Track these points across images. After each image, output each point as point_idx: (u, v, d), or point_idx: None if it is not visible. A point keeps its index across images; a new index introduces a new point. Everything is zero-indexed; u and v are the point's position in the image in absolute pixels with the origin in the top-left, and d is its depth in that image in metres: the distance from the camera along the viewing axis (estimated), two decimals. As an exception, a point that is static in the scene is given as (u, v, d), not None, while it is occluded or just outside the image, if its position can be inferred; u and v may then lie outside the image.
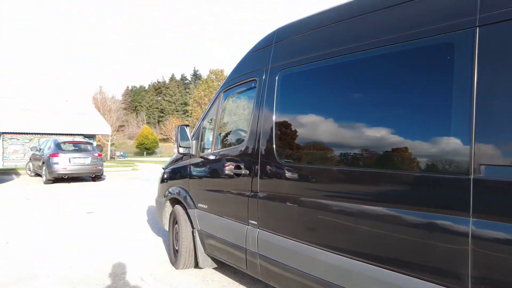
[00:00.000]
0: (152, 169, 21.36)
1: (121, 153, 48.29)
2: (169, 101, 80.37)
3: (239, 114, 3.69)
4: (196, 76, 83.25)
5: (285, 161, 2.65)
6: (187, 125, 3.78)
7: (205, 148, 3.74)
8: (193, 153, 3.77)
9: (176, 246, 4.15)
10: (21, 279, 3.75)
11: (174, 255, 4.21)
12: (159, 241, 5.30)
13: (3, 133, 21.46)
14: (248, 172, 2.94)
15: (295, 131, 2.65)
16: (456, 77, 1.76)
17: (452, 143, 1.74)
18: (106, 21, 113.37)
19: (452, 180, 1.69)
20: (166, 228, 4.55)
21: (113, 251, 4.74)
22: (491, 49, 1.64)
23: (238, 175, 3.06)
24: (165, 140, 68.80)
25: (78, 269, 4.05)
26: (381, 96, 2.12)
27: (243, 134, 3.24)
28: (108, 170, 18.42)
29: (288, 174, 2.62)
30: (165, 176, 4.57)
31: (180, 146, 3.71)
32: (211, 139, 3.66)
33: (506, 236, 1.53)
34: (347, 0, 2.38)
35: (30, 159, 16.08)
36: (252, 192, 2.89)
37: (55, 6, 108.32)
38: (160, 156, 49.44)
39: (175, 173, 4.29)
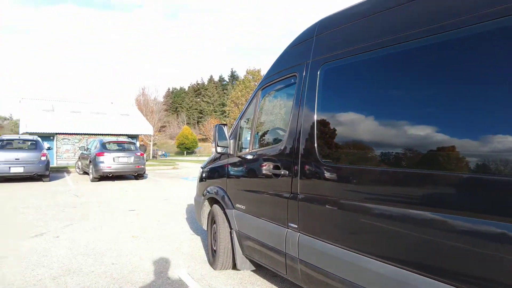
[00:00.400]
0: (191, 168, 21.89)
1: (163, 152, 50.09)
2: (208, 102, 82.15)
3: (277, 112, 3.56)
4: (233, 77, 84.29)
5: (328, 161, 2.47)
6: (225, 124, 3.72)
7: (242, 148, 3.66)
8: (231, 152, 3.71)
9: (214, 246, 4.11)
10: (68, 272, 3.90)
11: (212, 255, 4.18)
12: (197, 240, 5.32)
13: (56, 134, 23.09)
14: (287, 172, 2.81)
15: (340, 130, 2.46)
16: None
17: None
18: (154, 25, 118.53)
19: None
20: (204, 227, 4.54)
21: (153, 249, 4.82)
22: None
23: (276, 175, 2.94)
24: (204, 140, 70.43)
25: (119, 266, 4.15)
26: (440, 90, 1.88)
27: (281, 133, 3.10)
28: (150, 168, 19.13)
29: (331, 175, 2.45)
30: (204, 175, 4.56)
31: (218, 146, 3.66)
32: (248, 138, 3.57)
33: None
34: None
35: (79, 158, 17.11)
36: (291, 193, 2.75)
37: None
38: (199, 156, 50.64)
39: (213, 172, 4.26)
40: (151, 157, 38.71)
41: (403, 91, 2.10)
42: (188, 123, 76.20)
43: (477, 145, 1.66)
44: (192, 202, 8.85)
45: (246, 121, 3.69)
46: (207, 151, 56.34)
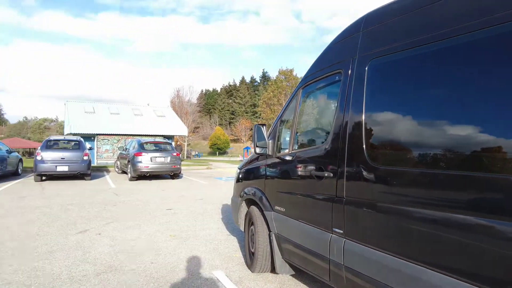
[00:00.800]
0: (224, 168, 22.13)
1: (196, 152, 51.20)
2: (239, 103, 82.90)
3: (320, 111, 3.42)
4: (265, 77, 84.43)
5: (378, 164, 2.30)
6: (263, 125, 3.64)
7: (281, 148, 3.56)
8: (270, 153, 3.62)
9: (252, 248, 4.05)
10: (110, 269, 4.00)
11: (250, 257, 4.11)
12: (234, 241, 5.29)
13: (97, 134, 24.25)
14: (331, 174, 2.67)
15: (391, 130, 2.29)
16: None
17: None
18: (187, 28, 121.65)
19: None
20: (242, 228, 4.49)
21: (191, 248, 4.84)
22: None
23: (319, 177, 2.81)
24: (235, 140, 71.16)
25: (158, 265, 4.19)
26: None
27: (325, 133, 2.97)
28: (185, 168, 19.54)
29: (382, 179, 2.28)
30: (241, 176, 4.51)
31: (256, 146, 3.58)
32: (288, 138, 3.46)
33: None
34: None
35: (118, 158, 17.82)
36: (336, 197, 2.61)
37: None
38: (231, 156, 51.20)
39: (251, 173, 4.19)
40: (185, 157, 39.65)
41: (468, 87, 1.89)
42: (220, 124, 77.37)
43: None
44: (227, 202, 8.95)
45: (286, 120, 3.58)
46: (239, 152, 56.81)
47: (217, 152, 58.43)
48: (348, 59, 2.66)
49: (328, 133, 2.83)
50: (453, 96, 1.94)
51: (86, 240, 5.18)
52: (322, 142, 2.89)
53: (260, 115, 63.23)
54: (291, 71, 54.32)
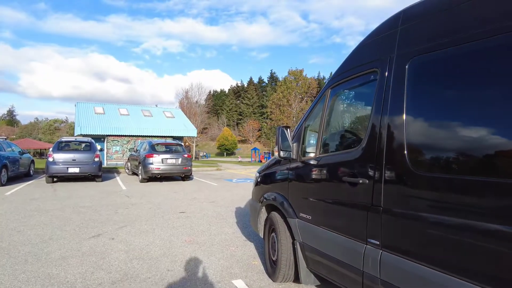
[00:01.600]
0: (234, 169, 22.00)
1: (204, 153, 51.23)
2: (247, 104, 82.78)
3: (352, 113, 3.22)
4: (273, 78, 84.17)
5: (421, 170, 2.09)
6: (287, 127, 3.45)
7: (306, 152, 3.36)
8: (294, 157, 3.42)
9: (273, 256, 3.86)
10: (126, 277, 3.85)
11: (270, 265, 3.93)
12: (251, 246, 5.11)
13: (107, 135, 24.32)
14: (366, 181, 2.47)
15: (437, 134, 2.08)
16: None
17: None
18: (195, 29, 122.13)
19: None
20: (261, 235, 4.30)
21: (207, 254, 4.67)
22: None
23: (353, 184, 2.61)
24: (243, 141, 71.14)
25: (175, 273, 4.03)
26: None
27: (358, 136, 2.77)
28: (195, 169, 19.46)
29: (425, 187, 2.07)
30: (261, 180, 4.33)
31: (281, 150, 3.39)
32: (314, 141, 3.27)
33: None
34: None
35: (128, 159, 17.80)
36: (372, 205, 2.41)
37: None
38: (239, 156, 51.02)
39: (272, 177, 4.01)
40: (193, 158, 39.67)
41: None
42: (228, 125, 77.46)
43: None
44: (240, 205, 8.78)
45: (312, 122, 3.38)
46: (247, 152, 56.73)
47: (225, 153, 58.41)
48: (385, 58, 2.46)
49: (361, 136, 2.63)
50: (507, 97, 1.74)
51: (100, 245, 5.05)
52: (355, 146, 2.69)
53: (268, 115, 63.02)
54: (301, 71, 54.01)
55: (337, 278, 2.88)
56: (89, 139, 14.48)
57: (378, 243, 2.36)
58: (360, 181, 2.51)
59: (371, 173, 2.44)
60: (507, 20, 1.74)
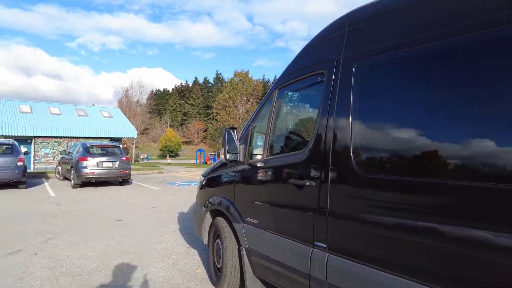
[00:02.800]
0: (177, 172, 21.27)
1: (145, 155, 48.97)
2: (192, 105, 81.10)
3: (299, 115, 3.17)
4: (218, 79, 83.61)
5: (366, 172, 2.10)
6: (234, 128, 3.30)
7: (253, 154, 3.25)
8: (241, 159, 3.29)
9: (218, 263, 3.68)
10: (51, 298, 3.38)
11: (215, 273, 3.74)
12: (194, 254, 4.87)
13: (34, 137, 21.97)
14: (313, 183, 2.42)
15: (383, 136, 2.10)
16: None
17: None
18: (136, 25, 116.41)
19: None
20: (205, 241, 4.10)
21: (147, 265, 4.33)
22: None
23: (299, 186, 2.55)
24: (187, 142, 69.55)
25: (113, 286, 3.66)
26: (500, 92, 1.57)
27: (305, 138, 2.72)
28: (134, 173, 18.41)
29: (372, 188, 2.08)
30: (206, 184, 4.12)
31: (227, 152, 3.23)
32: (261, 143, 3.17)
33: None
34: None
35: (59, 162, 16.22)
36: (319, 207, 2.37)
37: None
38: (183, 159, 49.75)
39: (218, 181, 3.83)
40: (133, 161, 37.70)
41: (466, 90, 1.74)
42: (171, 126, 75.12)
43: None
44: (184, 210, 8.42)
45: (260, 124, 3.28)
46: (191, 154, 55.48)
47: (168, 155, 56.51)
48: (332, 59, 2.44)
49: (308, 138, 2.59)
50: (450, 99, 1.80)
51: (19, 263, 4.40)
52: (303, 148, 2.63)
53: (214, 116, 62.48)
54: (247, 73, 54.47)
55: (284, 283, 2.81)
56: (11, 141, 12.85)
57: (325, 246, 2.33)
58: (307, 183, 2.46)
59: (317, 175, 2.39)
60: (443, 28, 1.81)
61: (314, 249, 2.42)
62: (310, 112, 2.78)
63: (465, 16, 1.73)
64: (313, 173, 2.44)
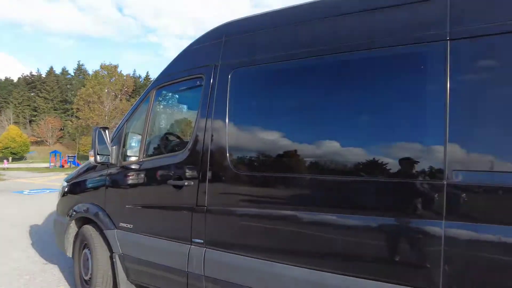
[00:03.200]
0: (25, 178, 17.91)
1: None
2: (46, 98, 69.53)
3: (178, 116, 3.20)
4: (81, 71, 74.13)
5: (241, 170, 2.36)
6: (106, 128, 3.08)
7: (128, 156, 3.11)
8: (113, 161, 3.09)
9: (86, 275, 3.37)
10: None
11: (82, 286, 3.41)
12: (54, 270, 4.27)
13: None
14: (192, 183, 2.53)
15: (253, 137, 2.39)
16: (430, 87, 1.80)
17: (426, 151, 1.77)
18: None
19: (428, 185, 1.75)
20: (69, 254, 3.67)
21: (-12, 292, 3.59)
22: (462, 61, 1.71)
23: (178, 187, 2.61)
24: (38, 143, 59.31)
25: None
26: (351, 102, 2.07)
27: (184, 139, 2.80)
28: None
29: (245, 185, 2.37)
30: (69, 190, 3.69)
31: (98, 154, 3.00)
32: (137, 144, 3.07)
33: (484, 238, 1.63)
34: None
35: None
36: (197, 206, 2.50)
37: None
38: (31, 162, 42.17)
39: (85, 186, 3.49)
40: (-40, 165, 29.83)
41: (315, 101, 2.20)
42: (16, 122, 62.75)
43: (397, 152, 1.87)
44: (37, 222, 7.21)
45: (134, 125, 3.16)
46: (44, 157, 47.38)
47: (11, 158, 46.85)
48: (210, 65, 2.60)
49: (187, 139, 2.69)
50: (303, 107, 2.23)
51: None
52: (182, 149, 2.70)
53: (74, 113, 55.01)
54: (115, 67, 50.03)
55: (161, 284, 2.82)
56: None
57: (202, 241, 2.48)
58: (186, 183, 2.55)
59: (196, 174, 2.52)
60: (299, 49, 2.21)
61: (192, 246, 2.53)
62: (189, 114, 2.88)
63: (302, 44, 2.18)
64: (192, 173, 2.54)
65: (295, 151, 2.20)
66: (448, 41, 1.75)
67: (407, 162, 1.83)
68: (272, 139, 2.31)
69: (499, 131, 1.68)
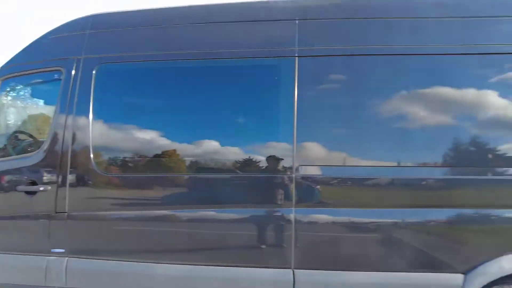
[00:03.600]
0: None
1: None
2: None
3: (30, 112, 2.79)
4: None
5: (107, 172, 2.29)
6: None
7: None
8: None
9: None
10: None
11: None
12: None
13: None
14: (49, 187, 2.30)
15: (120, 136, 2.33)
16: (282, 95, 2.13)
17: (279, 148, 2.11)
18: None
19: (281, 178, 2.09)
20: None
21: None
22: (306, 74, 2.10)
23: (31, 193, 2.33)
24: None
25: None
26: (211, 105, 2.26)
27: (39, 138, 2.48)
28: None
29: (113, 187, 2.31)
30: None
31: None
32: None
33: (321, 218, 2.07)
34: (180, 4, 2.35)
35: None
36: (57, 212, 2.28)
37: None
38: None
39: None
40: None
41: (176, 102, 2.32)
42: None
43: (258, 150, 2.14)
44: None
45: None
46: None
47: None
48: (72, 58, 2.39)
49: (43, 138, 2.41)
50: (167, 107, 2.34)
51: None
52: (35, 150, 2.40)
53: None
54: None
55: None
56: None
57: (64, 250, 2.29)
58: (41, 188, 2.30)
59: (54, 178, 2.31)
60: (161, 50, 2.27)
61: (51, 257, 2.31)
62: (45, 110, 2.58)
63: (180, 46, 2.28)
64: (50, 176, 2.32)
65: (165, 151, 2.25)
66: (296, 58, 2.11)
67: (264, 160, 2.12)
68: (138, 138, 2.30)
69: (333, 132, 2.13)
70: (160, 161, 2.26)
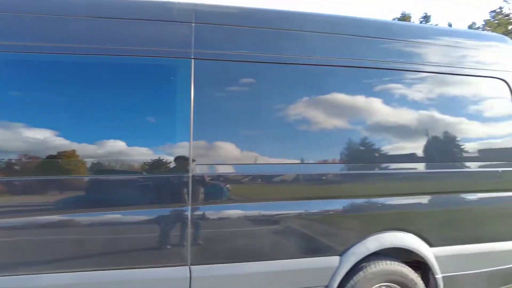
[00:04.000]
0: None
1: None
2: None
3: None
4: None
5: None
6: None
7: None
8: None
9: None
10: None
11: None
12: None
13: None
14: None
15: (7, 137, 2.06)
16: (179, 96, 2.16)
17: (175, 148, 2.14)
18: None
19: (178, 178, 2.11)
20: None
21: None
22: (202, 75, 2.17)
23: None
24: None
25: None
26: (101, 104, 2.15)
27: None
28: None
29: None
30: None
31: None
32: None
33: (216, 215, 2.17)
34: None
35: None
36: None
37: None
38: None
39: None
40: None
41: (59, 99, 2.12)
42: None
43: (152, 151, 2.13)
44: None
45: None
46: None
47: None
48: None
49: None
50: (56, 106, 2.11)
51: None
52: None
53: None
54: None
55: None
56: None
57: None
58: None
59: None
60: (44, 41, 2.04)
61: None
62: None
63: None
64: None
65: (50, 152, 2.06)
66: (192, 59, 2.16)
67: (161, 160, 2.11)
68: (22, 137, 2.07)
69: (228, 132, 2.23)
70: (47, 162, 2.07)
